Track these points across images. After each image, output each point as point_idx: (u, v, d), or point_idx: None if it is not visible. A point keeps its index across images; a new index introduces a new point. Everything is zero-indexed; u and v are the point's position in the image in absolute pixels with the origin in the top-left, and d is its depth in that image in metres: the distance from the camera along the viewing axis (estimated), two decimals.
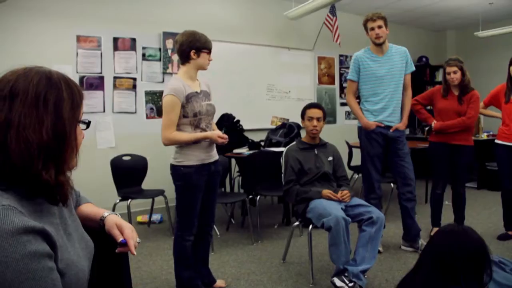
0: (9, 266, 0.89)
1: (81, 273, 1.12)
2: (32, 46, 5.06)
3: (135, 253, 1.34)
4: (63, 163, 1.06)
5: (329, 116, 7.59)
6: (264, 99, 6.92)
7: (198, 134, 2.86)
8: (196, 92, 2.90)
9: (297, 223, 3.51)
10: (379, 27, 3.69)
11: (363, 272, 2.90)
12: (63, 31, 5.26)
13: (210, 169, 2.98)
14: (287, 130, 5.53)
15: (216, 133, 2.89)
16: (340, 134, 6.55)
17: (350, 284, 2.82)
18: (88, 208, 1.52)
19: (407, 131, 7.75)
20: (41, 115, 1.02)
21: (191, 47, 2.88)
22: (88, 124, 1.18)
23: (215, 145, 3.06)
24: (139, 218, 5.25)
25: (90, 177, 5.25)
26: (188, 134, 2.85)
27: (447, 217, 4.45)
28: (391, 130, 3.79)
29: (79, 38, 5.36)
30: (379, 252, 3.81)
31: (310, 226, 3.28)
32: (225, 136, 2.91)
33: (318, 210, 3.14)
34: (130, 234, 1.39)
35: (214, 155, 3.04)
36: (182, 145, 2.91)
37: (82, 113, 1.15)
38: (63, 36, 5.26)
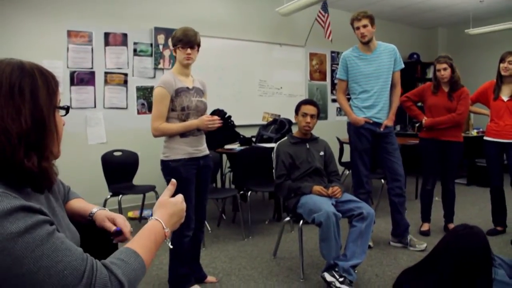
0: (16, 241, 0.90)
1: None
2: (22, 41, 5.01)
3: (128, 238, 1.40)
4: (45, 150, 1.06)
5: (321, 112, 7.62)
6: (256, 95, 6.92)
7: (186, 123, 2.87)
8: (187, 87, 2.91)
9: (288, 218, 3.52)
10: (364, 26, 3.71)
11: (353, 267, 2.92)
12: (54, 26, 5.21)
13: (199, 164, 2.99)
14: (278, 126, 5.54)
15: (202, 118, 2.88)
16: (331, 130, 6.57)
17: (340, 279, 2.83)
18: (77, 203, 1.53)
19: (398, 128, 7.82)
20: (18, 104, 1.02)
21: (172, 44, 2.95)
22: (67, 109, 1.18)
23: (204, 140, 3.06)
24: (130, 214, 5.24)
25: (81, 173, 5.24)
26: (176, 124, 2.87)
27: (437, 213, 4.49)
28: (380, 129, 3.81)
29: (69, 33, 5.32)
30: (370, 247, 3.84)
31: (301, 222, 3.29)
32: (214, 117, 2.90)
33: (309, 206, 3.15)
34: (123, 222, 1.44)
35: (204, 150, 3.05)
36: (170, 140, 2.93)
37: (59, 99, 1.15)
38: (54, 31, 5.22)
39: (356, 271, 3.23)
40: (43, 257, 0.93)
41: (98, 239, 1.42)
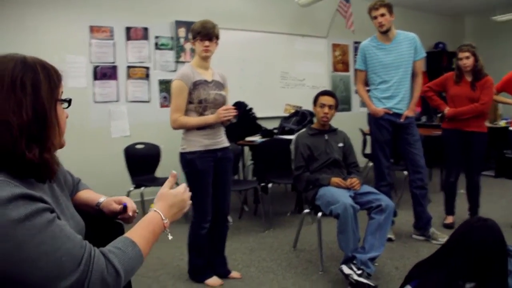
0: (17, 227, 0.93)
1: None
2: (46, 37, 5.11)
3: (130, 213, 1.49)
4: (46, 142, 1.08)
5: (343, 104, 7.56)
6: (278, 87, 6.90)
7: (204, 118, 2.90)
8: (205, 80, 2.93)
9: (307, 210, 3.50)
10: (382, 15, 3.64)
11: (372, 259, 2.88)
12: (76, 22, 5.30)
13: (216, 156, 3.00)
14: (300, 118, 5.52)
15: (218, 111, 2.89)
16: (354, 122, 6.49)
17: (358, 272, 2.81)
18: (85, 194, 1.57)
19: (424, 119, 7.67)
20: (19, 97, 1.04)
21: (192, 37, 2.98)
22: (69, 102, 1.20)
23: (222, 132, 3.07)
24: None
25: (104, 166, 5.34)
26: (194, 119, 2.91)
27: (462, 205, 4.40)
28: (401, 120, 3.74)
29: (92, 29, 5.39)
30: (391, 240, 3.79)
31: (319, 214, 3.28)
32: (228, 106, 2.92)
33: (327, 198, 3.13)
34: (129, 200, 1.51)
35: (222, 142, 3.05)
36: (187, 132, 2.96)
37: (61, 92, 1.17)
38: (76, 27, 5.31)
39: (376, 264, 3.21)
40: (43, 244, 0.96)
41: (105, 229, 1.44)
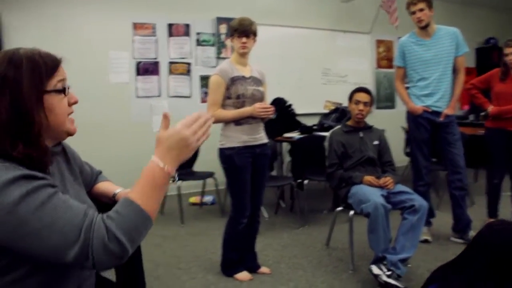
0: (19, 203, 0.98)
1: None
2: (90, 34, 5.33)
3: None
4: (30, 137, 1.09)
5: (387, 101, 7.41)
6: (319, 84, 6.84)
7: (239, 110, 2.92)
8: (244, 76, 2.97)
9: (340, 208, 3.45)
10: (421, 10, 3.51)
11: (402, 261, 2.81)
12: (120, 19, 5.48)
13: (254, 152, 3.01)
14: (339, 115, 5.44)
15: (255, 105, 2.91)
16: (398, 120, 6.30)
17: (388, 273, 2.75)
18: (103, 185, 1.61)
19: (472, 117, 7.37)
20: (0, 95, 1.07)
21: (230, 34, 3.03)
22: (63, 90, 1.19)
23: (261, 128, 3.08)
24: (192, 199, 5.40)
25: (146, 160, 5.45)
26: (230, 111, 2.94)
27: (506, 209, 4.20)
28: (440, 119, 3.61)
29: (135, 25, 5.55)
30: (427, 241, 3.69)
31: (351, 212, 3.23)
32: (264, 104, 2.93)
33: (358, 196, 3.08)
34: None
35: (260, 138, 3.06)
36: (226, 128, 3.00)
37: (57, 81, 1.17)
38: (120, 24, 5.49)
39: (408, 265, 3.14)
40: (45, 216, 1.00)
41: None
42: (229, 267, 3.16)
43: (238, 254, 3.15)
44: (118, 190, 1.57)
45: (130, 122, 5.60)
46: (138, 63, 5.60)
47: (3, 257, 1.05)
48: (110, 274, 1.56)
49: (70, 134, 1.26)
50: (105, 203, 1.55)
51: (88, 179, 1.59)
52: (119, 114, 5.54)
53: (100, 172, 1.71)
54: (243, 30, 2.92)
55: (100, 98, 5.42)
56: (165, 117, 1.21)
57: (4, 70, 1.08)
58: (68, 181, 1.33)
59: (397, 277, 2.74)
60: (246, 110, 2.91)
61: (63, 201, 1.05)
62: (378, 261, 2.85)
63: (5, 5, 4.92)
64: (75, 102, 1.26)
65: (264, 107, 2.90)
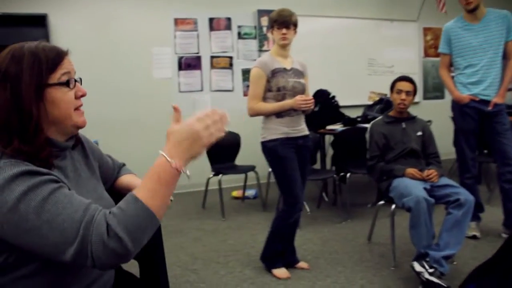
0: (21, 199, 0.98)
1: None
2: (132, 30, 5.44)
3: None
4: (26, 133, 1.08)
5: (436, 91, 7.13)
6: (364, 74, 6.65)
7: (280, 103, 2.88)
8: (285, 68, 2.93)
9: (382, 202, 3.33)
10: None
11: (446, 258, 2.66)
12: (161, 15, 5.56)
13: (297, 143, 2.97)
14: (384, 106, 5.26)
15: (296, 97, 2.85)
16: (448, 110, 6.05)
17: (430, 270, 2.61)
18: (126, 179, 1.59)
19: None
20: (1, 92, 1.07)
21: (270, 26, 2.98)
22: (67, 83, 1.16)
23: (302, 120, 3.03)
24: (235, 193, 5.40)
25: None
26: (271, 104, 2.91)
27: None
28: (489, 108, 3.41)
29: (176, 21, 5.61)
30: (476, 237, 3.50)
31: (393, 206, 3.10)
32: (305, 97, 2.85)
33: (400, 189, 2.95)
34: None
35: (302, 130, 3.02)
36: (266, 121, 2.98)
37: (61, 74, 1.14)
38: (162, 20, 5.56)
39: (454, 263, 3.01)
40: (45, 212, 0.98)
41: None
42: (270, 258, 3.09)
43: (282, 246, 3.09)
44: None
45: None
46: (180, 58, 5.66)
47: (10, 253, 1.06)
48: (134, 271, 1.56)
49: (79, 127, 1.22)
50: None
51: (109, 172, 1.58)
52: (163, 109, 5.57)
53: (123, 165, 1.69)
54: (283, 21, 2.87)
55: (144, 93, 5.52)
56: (176, 110, 1.15)
57: (6, 65, 1.08)
58: (84, 176, 1.32)
59: (440, 275, 2.60)
60: (287, 102, 2.86)
61: (64, 196, 1.03)
62: (420, 257, 2.71)
63: (52, 6, 5.09)
64: (83, 95, 1.22)
65: (304, 99, 2.83)
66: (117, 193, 1.56)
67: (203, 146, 1.11)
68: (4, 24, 4.75)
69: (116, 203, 1.41)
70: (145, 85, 5.53)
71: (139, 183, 1.54)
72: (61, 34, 5.10)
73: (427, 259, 2.67)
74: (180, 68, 5.67)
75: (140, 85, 5.50)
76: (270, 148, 2.93)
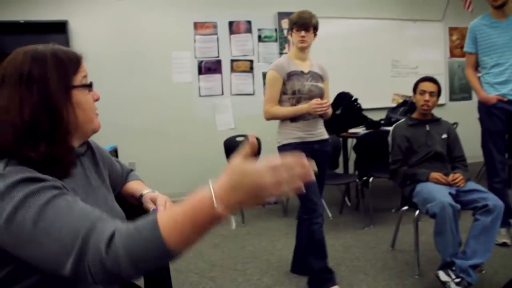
0: (19, 207, 0.91)
1: None
2: (153, 36, 5.44)
3: None
4: (56, 135, 1.05)
5: (463, 92, 6.93)
6: (388, 76, 6.50)
7: (295, 108, 2.79)
8: (302, 71, 2.84)
9: (405, 207, 3.21)
10: None
11: (474, 267, 2.52)
12: (181, 19, 5.55)
13: (312, 148, 2.86)
14: (408, 108, 5.12)
15: (311, 102, 2.73)
16: (475, 112, 5.87)
17: (457, 280, 2.48)
18: (132, 185, 1.54)
19: None
20: (24, 94, 1.02)
21: (289, 28, 2.91)
22: (90, 85, 1.15)
23: (320, 124, 2.93)
24: None
25: (209, 157, 5.48)
26: (286, 108, 2.83)
27: None
28: None
29: (196, 25, 5.58)
30: (506, 245, 3.33)
31: (417, 212, 2.98)
32: (320, 101, 2.72)
33: (423, 195, 2.83)
34: (161, 200, 1.41)
35: (319, 134, 2.91)
36: (281, 125, 2.90)
37: (82, 77, 1.13)
38: (181, 24, 5.56)
39: (482, 271, 2.86)
40: (42, 220, 0.91)
41: None
42: (317, 278, 2.85)
43: (326, 261, 2.87)
44: (145, 191, 1.49)
45: (194, 121, 5.64)
46: (200, 62, 5.63)
47: (15, 265, 0.99)
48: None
49: (96, 130, 1.20)
50: (131, 203, 1.49)
51: (118, 179, 1.53)
52: (183, 114, 5.60)
53: (131, 170, 1.64)
54: (302, 23, 2.79)
55: (164, 98, 5.51)
56: (251, 144, 0.92)
57: (29, 67, 1.04)
58: (95, 184, 1.27)
59: (468, 286, 2.47)
60: (302, 107, 2.77)
61: (66, 202, 0.95)
62: (446, 266, 2.58)
63: (72, 12, 5.13)
64: (98, 99, 1.20)
65: (319, 103, 2.71)
66: (123, 200, 1.51)
67: (262, 202, 0.88)
68: (26, 32, 4.81)
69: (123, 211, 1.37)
70: (165, 90, 5.52)
71: (141, 189, 1.49)
72: (81, 40, 5.14)
73: (453, 268, 2.54)
74: (200, 72, 5.64)
75: (160, 89, 5.50)
76: (284, 153, 2.84)
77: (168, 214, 0.89)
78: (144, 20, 5.40)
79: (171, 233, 0.86)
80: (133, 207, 1.46)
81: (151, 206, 1.40)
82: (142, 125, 5.45)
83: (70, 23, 5.08)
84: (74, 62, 1.12)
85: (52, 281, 1.02)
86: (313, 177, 0.89)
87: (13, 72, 1.03)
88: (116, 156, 4.51)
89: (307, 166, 0.88)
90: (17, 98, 1.02)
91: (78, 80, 1.12)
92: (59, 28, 4.92)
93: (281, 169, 0.84)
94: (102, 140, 5.10)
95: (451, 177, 2.91)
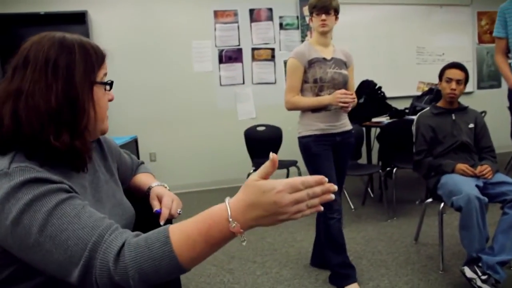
0: (25, 210, 0.88)
1: None
2: (174, 25, 5.42)
3: (161, 223, 1.26)
4: (78, 127, 1.01)
5: (492, 80, 6.71)
6: (413, 64, 6.32)
7: (318, 99, 2.67)
8: (324, 58, 2.70)
9: (430, 200, 3.09)
10: None
11: (502, 264, 2.39)
12: (201, 8, 5.50)
13: (334, 140, 2.75)
14: (434, 96, 4.95)
15: (335, 93, 2.60)
16: (504, 100, 5.67)
17: (483, 277, 2.36)
18: (140, 178, 1.50)
19: None
20: (50, 81, 0.98)
21: (309, 13, 2.77)
22: (110, 84, 1.11)
23: (343, 115, 2.79)
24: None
25: (230, 147, 5.47)
26: (308, 99, 2.71)
27: None
28: None
29: (216, 13, 5.52)
30: None
31: (442, 204, 2.86)
32: (345, 91, 2.60)
33: (449, 187, 2.71)
34: (167, 202, 1.33)
35: (341, 126, 2.78)
36: (302, 116, 2.80)
37: (104, 74, 1.10)
38: (201, 12, 5.51)
39: (511, 268, 2.73)
40: (49, 226, 0.88)
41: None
42: (337, 274, 2.77)
43: (346, 257, 2.78)
44: (154, 184, 1.43)
45: (215, 110, 5.61)
46: (221, 51, 5.57)
47: (18, 265, 0.96)
48: None
49: (104, 132, 1.16)
50: (139, 196, 1.44)
51: (128, 172, 1.49)
52: (204, 103, 5.57)
53: (141, 163, 1.59)
54: (322, 6, 2.63)
55: (185, 87, 5.49)
56: (273, 162, 0.88)
57: (55, 54, 1.00)
58: (103, 178, 1.23)
59: (495, 283, 2.35)
60: (324, 98, 2.65)
61: (73, 208, 0.92)
62: (472, 262, 2.47)
63: (91, 2, 5.13)
64: (112, 99, 1.16)
65: (345, 93, 2.58)
66: (131, 193, 1.46)
67: (279, 222, 0.87)
68: (46, 23, 4.83)
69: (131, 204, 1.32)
70: (185, 79, 5.49)
71: (149, 182, 1.44)
72: (101, 30, 5.14)
73: (480, 264, 2.43)
74: (221, 61, 5.58)
75: (181, 79, 5.47)
76: (304, 144, 2.75)
77: (180, 229, 0.88)
78: (164, 9, 5.36)
79: (183, 249, 0.85)
80: (141, 200, 1.41)
81: (155, 204, 1.35)
82: (162, 115, 5.44)
83: (89, 13, 5.07)
84: (99, 57, 1.08)
85: (55, 283, 0.98)
86: (333, 197, 0.89)
87: (39, 56, 0.99)
88: (136, 146, 4.49)
89: (327, 186, 0.88)
90: (42, 83, 0.98)
91: (100, 76, 1.08)
92: (79, 19, 4.93)
93: (300, 188, 0.85)
94: (122, 130, 5.14)
95: (478, 168, 2.78)
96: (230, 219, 0.85)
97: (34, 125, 0.96)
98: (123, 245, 0.87)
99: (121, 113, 5.10)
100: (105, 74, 1.11)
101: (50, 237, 0.87)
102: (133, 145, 4.39)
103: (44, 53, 0.99)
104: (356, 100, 2.66)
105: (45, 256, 0.87)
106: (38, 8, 4.89)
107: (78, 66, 1.01)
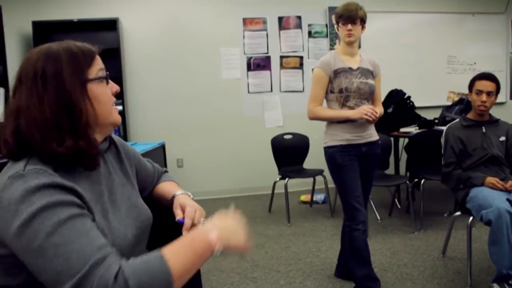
0: (36, 215, 0.92)
1: (119, 239, 1.13)
2: (203, 32, 5.49)
3: (184, 233, 1.28)
4: (79, 129, 1.06)
5: (500, 88, 6.53)
6: (443, 73, 6.22)
7: (339, 112, 2.66)
8: (350, 68, 2.69)
9: (458, 213, 3.03)
10: None
11: None
12: (230, 15, 5.55)
13: (360, 150, 2.73)
14: (464, 107, 4.86)
15: (360, 109, 2.60)
16: None
17: None
18: (164, 186, 1.53)
19: None
20: (41, 92, 1.03)
21: (335, 22, 2.77)
22: (106, 78, 1.16)
23: (371, 125, 2.77)
24: (303, 198, 5.24)
25: (257, 155, 5.49)
26: (330, 110, 2.71)
27: None
28: None
29: (245, 21, 5.56)
30: None
31: (471, 218, 2.80)
32: (371, 107, 2.59)
33: (478, 200, 2.65)
34: (190, 213, 1.35)
35: (367, 136, 2.75)
36: (328, 126, 2.78)
37: (97, 70, 1.14)
38: (230, 20, 5.56)
39: None
40: (56, 235, 0.92)
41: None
42: (361, 286, 2.74)
43: (369, 269, 2.75)
44: (178, 192, 1.46)
45: (242, 117, 5.65)
46: (249, 59, 5.61)
47: (28, 273, 0.99)
48: None
49: (116, 124, 1.20)
50: (163, 204, 1.46)
51: (149, 179, 1.51)
52: (231, 110, 5.61)
53: (165, 171, 1.62)
54: (348, 16, 2.64)
55: (213, 94, 5.55)
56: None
57: (42, 65, 1.05)
58: (118, 180, 1.27)
59: None
60: (350, 112, 2.62)
61: (83, 225, 0.97)
62: (501, 279, 2.42)
63: (122, 9, 5.25)
64: (117, 91, 1.21)
65: (370, 108, 2.58)
66: (155, 202, 1.49)
67: (234, 244, 1.11)
68: (80, 30, 4.95)
69: (152, 213, 1.35)
70: (213, 86, 5.55)
71: (173, 190, 1.46)
72: (132, 37, 5.25)
73: (510, 282, 2.37)
74: (249, 68, 5.61)
75: (209, 86, 5.53)
76: (329, 155, 2.73)
77: (173, 249, 1.01)
78: (193, 16, 5.44)
79: (176, 263, 0.97)
80: (164, 208, 1.44)
81: (178, 213, 1.37)
82: (190, 122, 5.50)
83: (120, 20, 5.18)
84: (88, 56, 1.12)
85: None
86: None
87: (29, 71, 1.05)
88: (164, 152, 4.55)
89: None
90: (35, 96, 1.03)
91: (93, 73, 1.12)
92: (111, 26, 5.03)
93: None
94: (150, 136, 5.22)
95: (509, 183, 2.71)
96: (208, 229, 1.07)
97: (35, 137, 1.01)
98: (120, 266, 0.93)
99: (149, 119, 5.21)
100: (101, 69, 1.15)
101: (55, 246, 0.91)
102: (160, 151, 4.45)
103: (33, 67, 1.05)
104: (379, 113, 2.64)
105: (45, 263, 0.91)
106: (71, 16, 5.02)
107: (65, 70, 1.06)
